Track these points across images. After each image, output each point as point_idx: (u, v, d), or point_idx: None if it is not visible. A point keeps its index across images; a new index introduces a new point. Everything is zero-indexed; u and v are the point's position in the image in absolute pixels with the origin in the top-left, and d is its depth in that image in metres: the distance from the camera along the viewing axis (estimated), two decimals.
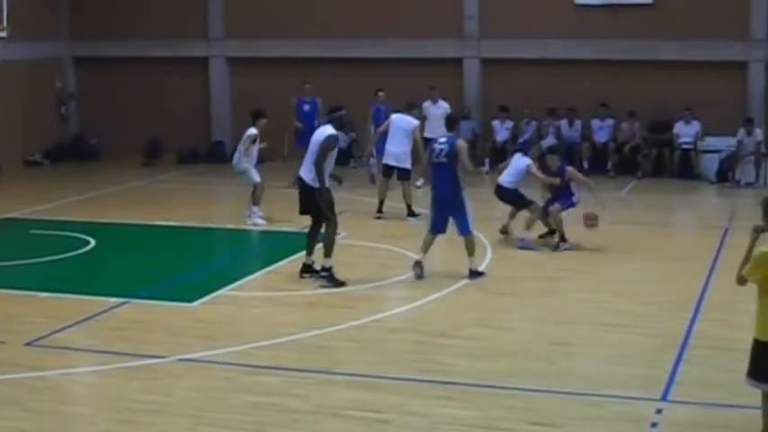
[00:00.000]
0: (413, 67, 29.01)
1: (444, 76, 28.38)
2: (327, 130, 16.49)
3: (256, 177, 21.03)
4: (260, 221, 20.83)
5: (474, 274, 16.85)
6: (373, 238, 19.84)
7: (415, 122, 22.37)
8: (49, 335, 13.93)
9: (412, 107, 22.76)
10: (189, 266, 18.21)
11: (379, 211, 22.05)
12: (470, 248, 16.92)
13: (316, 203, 16.33)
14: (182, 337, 14.04)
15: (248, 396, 11.81)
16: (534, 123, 28.76)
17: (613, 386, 12.03)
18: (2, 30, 21.73)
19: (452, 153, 16.61)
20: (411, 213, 21.92)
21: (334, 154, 16.46)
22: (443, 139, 16.87)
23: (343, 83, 29.43)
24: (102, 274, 17.65)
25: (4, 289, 16.31)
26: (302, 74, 29.57)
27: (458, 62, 29.47)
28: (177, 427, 11.02)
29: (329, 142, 16.28)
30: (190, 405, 11.54)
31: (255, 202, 21.04)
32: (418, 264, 16.84)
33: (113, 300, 15.60)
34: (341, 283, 16.29)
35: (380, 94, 25.98)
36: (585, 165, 27.82)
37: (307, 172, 16.47)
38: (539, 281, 17.05)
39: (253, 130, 21.21)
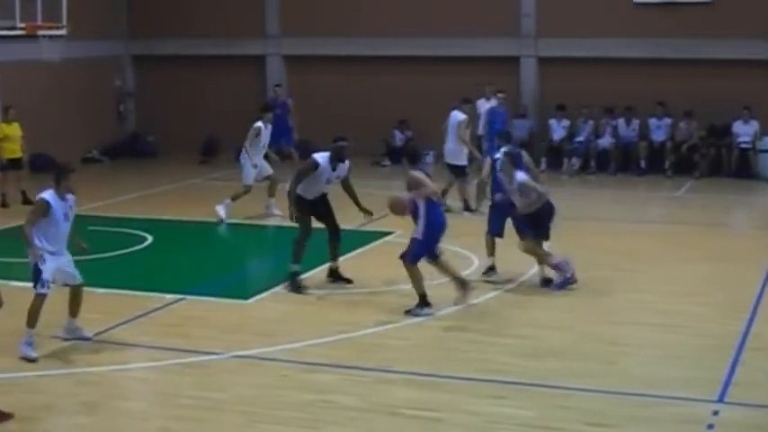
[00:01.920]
0: (468, 66, 28.94)
1: (501, 75, 28.29)
2: (318, 156, 16.20)
3: (249, 181, 21.12)
4: (222, 213, 21.01)
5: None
6: None
7: (460, 117, 22.33)
8: (105, 330, 14.05)
9: (463, 102, 22.76)
10: (244, 263, 18.30)
11: (468, 209, 22.24)
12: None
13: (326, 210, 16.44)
14: (237, 333, 14.11)
15: (303, 393, 11.84)
16: (591, 122, 28.64)
17: (669, 387, 11.95)
18: (62, 28, 21.89)
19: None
20: (467, 208, 22.12)
21: (315, 178, 16.08)
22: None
23: (398, 81, 29.49)
24: (158, 270, 17.77)
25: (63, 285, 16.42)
26: (357, 72, 29.73)
27: (514, 61, 29.38)
28: (232, 424, 11.08)
29: (306, 167, 16.23)
30: (244, 402, 11.59)
31: (234, 197, 21.39)
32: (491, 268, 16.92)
33: (169, 296, 15.71)
34: (299, 290, 16.06)
35: (500, 95, 25.13)
36: (642, 164, 27.69)
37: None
38: (593, 281, 16.94)
39: (257, 124, 21.34)
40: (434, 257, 15.10)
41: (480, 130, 26.17)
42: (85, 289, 15.81)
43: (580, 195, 25.39)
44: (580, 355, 13.22)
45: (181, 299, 15.62)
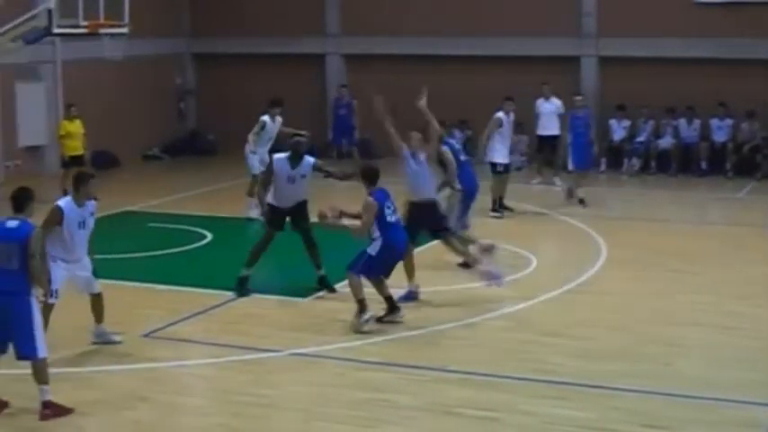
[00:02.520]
0: (529, 65, 28.85)
1: (561, 75, 28.19)
2: (276, 156, 16.38)
3: (254, 169, 20.91)
4: (254, 214, 20.52)
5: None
6: (487, 237, 19.75)
7: (496, 114, 22.28)
8: (165, 327, 14.17)
9: (504, 101, 22.55)
10: (303, 262, 18.33)
11: (494, 209, 21.95)
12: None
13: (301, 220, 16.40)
14: (294, 331, 14.17)
15: (360, 392, 11.88)
16: (652, 122, 28.46)
17: (727, 389, 11.86)
18: (124, 27, 22.08)
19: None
20: (500, 206, 22.00)
21: (278, 179, 16.05)
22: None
23: (458, 80, 29.45)
24: (218, 267, 17.87)
25: (123, 281, 16.57)
26: (417, 71, 29.68)
27: (575, 60, 29.25)
28: (288, 421, 11.14)
29: (265, 169, 16.95)
30: (301, 399, 11.64)
31: (250, 193, 21.06)
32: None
33: (229, 294, 15.79)
34: (243, 294, 15.91)
35: (578, 98, 24.75)
36: (703, 165, 27.48)
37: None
38: (650, 282, 16.87)
39: (263, 117, 21.18)
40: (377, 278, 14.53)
41: (539, 131, 26.15)
42: (146, 285, 16.00)
43: (640, 196, 25.27)
44: (636, 356, 13.16)
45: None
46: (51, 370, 11.34)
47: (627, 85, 28.56)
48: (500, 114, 22.19)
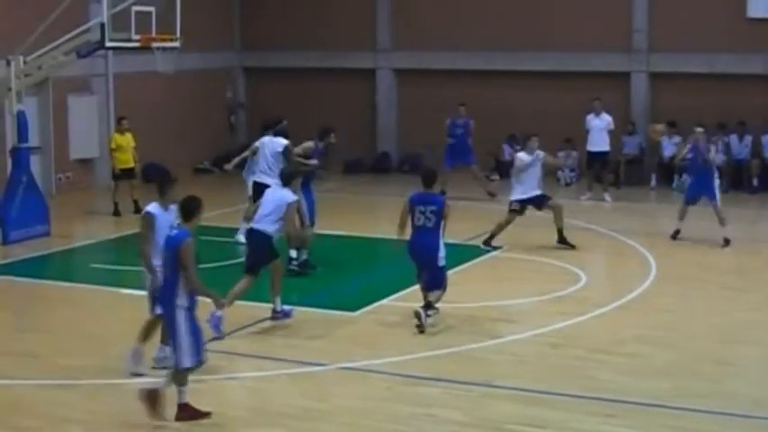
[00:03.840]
0: (578, 81, 28.75)
1: (610, 90, 28.07)
2: (281, 141, 18.76)
3: (250, 191, 20.18)
4: (241, 239, 19.32)
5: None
6: (536, 252, 19.73)
7: (519, 156, 20.73)
8: (215, 339, 14.19)
9: (530, 138, 20.87)
10: (353, 276, 18.35)
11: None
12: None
13: None
14: (343, 345, 14.17)
15: (407, 406, 11.85)
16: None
17: None
18: (176, 41, 22.19)
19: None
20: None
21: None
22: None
23: (508, 95, 29.42)
24: (266, 281, 17.86)
25: None
26: (468, 85, 29.71)
27: (625, 76, 29.11)
28: None
29: (288, 151, 18.64)
30: (348, 413, 11.63)
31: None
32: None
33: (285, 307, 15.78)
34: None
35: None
36: (755, 182, 27.25)
37: (265, 176, 18.67)
38: (702, 299, 16.75)
39: (255, 143, 20.07)
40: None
41: (589, 146, 26.02)
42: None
43: (691, 212, 25.06)
44: (689, 374, 13.05)
45: (290, 310, 15.71)
46: (102, 381, 11.40)
47: (677, 101, 28.38)
48: (521, 155, 20.60)
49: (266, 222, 15.10)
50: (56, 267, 19.74)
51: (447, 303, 15.54)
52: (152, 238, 12.80)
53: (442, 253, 14.85)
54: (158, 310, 12.63)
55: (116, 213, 23.85)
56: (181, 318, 11.32)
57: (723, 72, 27.85)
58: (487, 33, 30.09)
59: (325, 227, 21.71)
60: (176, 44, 22.17)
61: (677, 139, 28.50)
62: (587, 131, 26.26)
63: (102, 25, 20.74)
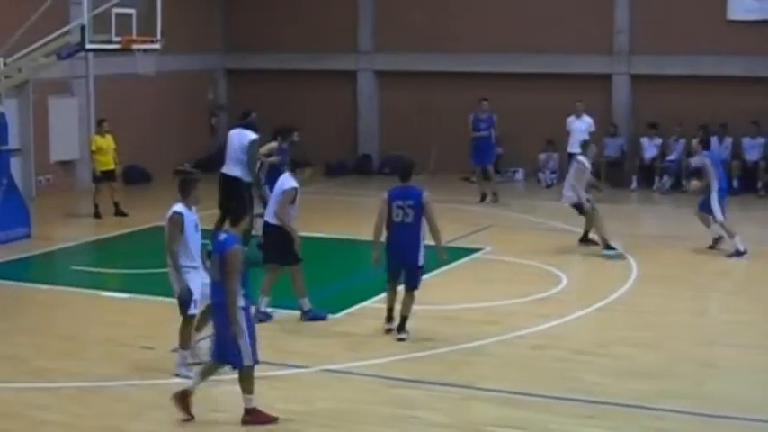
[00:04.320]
0: (559, 83, 28.80)
1: (592, 92, 28.13)
2: (249, 134, 18.70)
3: None
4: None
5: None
6: (518, 254, 19.73)
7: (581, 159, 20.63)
8: (196, 342, 14.11)
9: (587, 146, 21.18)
10: (334, 278, 18.32)
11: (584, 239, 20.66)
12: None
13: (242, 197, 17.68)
14: (325, 347, 14.14)
15: (389, 408, 11.83)
16: (683, 141, 28.32)
17: (765, 411, 11.74)
18: (157, 42, 22.12)
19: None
20: (606, 246, 19.87)
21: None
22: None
23: (489, 97, 29.42)
24: (249, 283, 17.81)
25: (153, 296, 16.62)
26: (449, 87, 29.73)
27: (606, 78, 29.16)
28: None
29: (254, 146, 18.72)
30: (330, 416, 11.60)
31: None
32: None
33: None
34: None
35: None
36: (735, 183, 27.31)
37: (237, 169, 18.69)
38: (686, 300, 16.76)
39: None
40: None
41: (570, 148, 26.05)
42: (174, 300, 15.97)
43: (672, 214, 25.16)
44: (672, 375, 13.05)
45: (271, 311, 15.68)
46: (82, 384, 11.34)
47: (659, 103, 28.48)
48: (586, 161, 20.54)
49: (271, 213, 15.37)
50: (36, 270, 19.66)
51: (430, 305, 15.54)
52: (181, 238, 12.86)
53: (422, 251, 14.42)
54: (192, 310, 12.87)
55: (97, 216, 23.76)
56: (241, 318, 11.35)
57: (704, 74, 27.91)
58: (469, 36, 30.12)
59: (307, 229, 21.67)
60: (157, 46, 22.10)
61: (658, 140, 28.61)
62: (568, 133, 26.30)
63: (83, 27, 20.66)
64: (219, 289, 11.37)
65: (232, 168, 18.97)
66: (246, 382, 11.44)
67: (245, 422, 11.36)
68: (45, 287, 17.77)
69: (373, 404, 11.97)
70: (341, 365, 13.27)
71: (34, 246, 20.92)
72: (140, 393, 12.41)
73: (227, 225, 11.91)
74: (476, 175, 26.79)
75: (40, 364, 13.48)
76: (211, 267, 11.65)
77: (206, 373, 11.72)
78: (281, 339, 14.52)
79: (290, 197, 15.17)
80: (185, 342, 13.10)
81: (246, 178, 18.76)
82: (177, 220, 12.87)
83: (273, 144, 19.60)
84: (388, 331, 14.53)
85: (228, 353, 11.39)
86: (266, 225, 15.61)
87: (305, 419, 11.52)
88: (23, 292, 17.64)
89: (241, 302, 11.37)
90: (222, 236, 11.59)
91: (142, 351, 13.91)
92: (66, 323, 15.51)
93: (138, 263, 19.31)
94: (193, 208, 13.08)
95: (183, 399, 11.46)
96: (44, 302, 16.84)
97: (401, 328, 14.42)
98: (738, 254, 19.51)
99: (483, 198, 25.69)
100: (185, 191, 13.07)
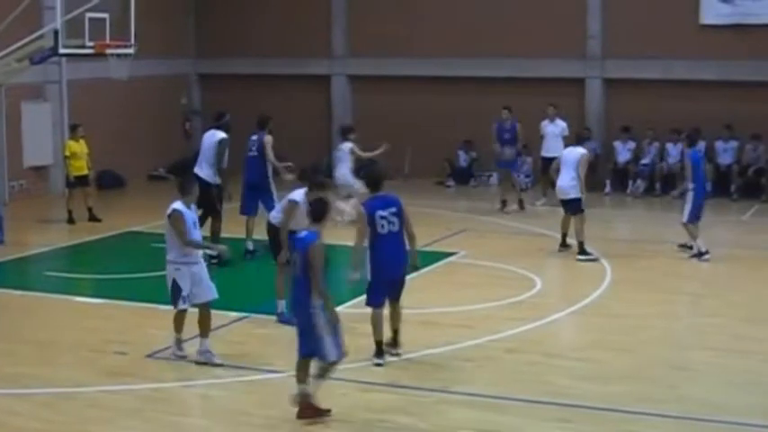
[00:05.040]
0: (533, 87, 28.85)
1: (565, 96, 28.19)
2: (219, 134, 19.71)
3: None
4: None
5: None
6: (492, 258, 19.75)
7: (583, 151, 20.56)
8: (169, 347, 14.08)
9: (579, 141, 21.33)
10: None
11: (563, 245, 20.48)
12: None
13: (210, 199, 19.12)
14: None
15: (363, 413, 11.83)
16: (656, 144, 28.43)
17: (738, 413, 11.78)
18: (130, 47, 22.07)
19: None
20: (582, 251, 19.88)
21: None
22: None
23: (463, 101, 29.49)
24: (222, 288, 17.79)
25: (127, 301, 16.59)
26: (423, 92, 29.77)
27: (580, 82, 29.24)
28: None
29: (223, 145, 19.59)
30: (305, 420, 11.57)
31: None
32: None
33: (233, 314, 15.74)
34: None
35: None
36: (708, 187, 27.35)
37: (205, 170, 19.52)
38: (659, 304, 16.81)
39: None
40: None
41: (543, 152, 26.09)
42: (149, 305, 15.98)
43: (645, 218, 25.24)
44: (646, 379, 13.09)
45: (245, 317, 15.67)
46: (55, 390, 11.30)
47: (632, 107, 28.57)
48: (586, 152, 20.76)
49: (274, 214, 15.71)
50: (10, 275, 19.56)
51: (405, 309, 15.50)
52: (185, 232, 13.17)
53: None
54: (181, 306, 13.42)
55: (70, 221, 23.67)
56: (318, 317, 11.52)
57: (677, 78, 28.04)
58: (443, 40, 30.15)
59: None
60: (131, 51, 22.04)
61: (632, 144, 28.69)
62: (542, 137, 26.35)
63: (56, 32, 20.59)
64: (302, 285, 11.53)
65: (199, 170, 19.53)
66: (326, 370, 11.66)
67: (301, 416, 11.55)
68: (18, 293, 17.70)
69: (347, 409, 11.95)
70: (314, 370, 13.24)
71: (8, 251, 20.83)
72: (114, 399, 12.37)
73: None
74: (499, 181, 26.47)
75: (13, 370, 13.42)
76: (293, 264, 11.85)
77: (306, 372, 11.76)
78: (252, 344, 14.50)
79: (293, 210, 15.00)
80: (178, 327, 13.63)
81: (213, 179, 19.50)
82: (178, 216, 13.20)
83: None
84: (397, 355, 13.89)
85: (315, 346, 11.57)
86: (269, 225, 15.78)
87: (280, 425, 11.50)
88: None
89: (320, 301, 11.53)
90: (303, 233, 11.77)
91: (115, 356, 13.88)
92: (39, 329, 15.44)
93: (112, 268, 19.28)
94: (192, 206, 13.48)
95: (309, 406, 11.57)
96: (17, 308, 16.77)
97: (397, 342, 14.01)
98: (700, 255, 19.61)
99: (504, 205, 25.22)
100: (183, 189, 13.45)
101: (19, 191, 27.06)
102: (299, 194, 15.06)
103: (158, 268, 16.58)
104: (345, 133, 23.63)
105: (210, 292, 13.60)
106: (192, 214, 13.41)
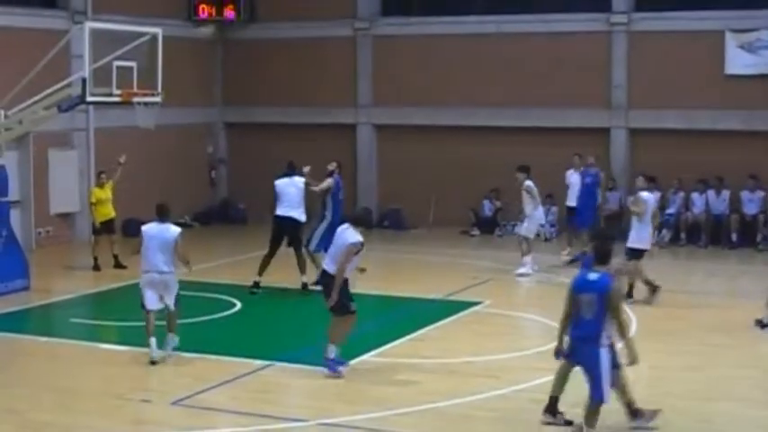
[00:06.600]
0: (559, 137, 28.88)
1: (590, 146, 28.16)
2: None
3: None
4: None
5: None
6: (517, 307, 19.71)
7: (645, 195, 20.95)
8: (194, 395, 14.09)
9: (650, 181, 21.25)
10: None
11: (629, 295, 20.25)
12: None
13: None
14: (324, 401, 14.09)
15: None
16: (682, 194, 28.38)
17: None
18: (157, 96, 22.20)
19: None
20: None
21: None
22: None
23: (488, 151, 29.52)
24: (246, 336, 17.83)
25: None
26: (447, 141, 29.82)
27: (605, 132, 29.26)
28: None
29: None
30: None
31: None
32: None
33: (257, 362, 15.73)
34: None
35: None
36: (734, 237, 27.32)
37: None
38: (682, 355, 16.70)
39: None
40: None
41: (569, 201, 26.04)
42: (174, 353, 15.98)
43: (671, 267, 25.14)
44: (671, 431, 12.98)
45: (269, 365, 15.66)
46: None
47: (657, 156, 28.52)
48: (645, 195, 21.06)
49: (329, 262, 15.58)
50: (35, 322, 19.63)
51: (429, 359, 15.51)
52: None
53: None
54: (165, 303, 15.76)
55: (96, 268, 23.75)
56: (605, 356, 11.94)
57: (701, 128, 28.03)
58: (468, 89, 30.24)
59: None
60: (157, 99, 22.18)
61: (657, 194, 28.62)
62: (568, 186, 26.31)
63: (84, 80, 20.76)
64: (593, 326, 11.93)
65: (295, 211, 21.80)
66: (592, 418, 11.95)
67: None
68: (43, 339, 17.74)
69: None
70: (339, 419, 13.22)
71: (33, 298, 20.91)
72: None
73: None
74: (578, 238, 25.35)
75: (36, 416, 13.43)
76: (582, 306, 12.12)
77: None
78: (277, 392, 14.49)
79: (355, 250, 15.23)
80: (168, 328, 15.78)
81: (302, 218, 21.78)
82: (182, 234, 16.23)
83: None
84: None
85: (595, 391, 11.95)
86: (323, 273, 15.74)
87: None
88: (21, 343, 17.61)
89: (606, 340, 11.88)
90: (594, 275, 12.06)
91: (140, 404, 13.87)
92: (63, 376, 15.46)
93: (137, 315, 19.22)
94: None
95: None
96: (42, 354, 16.80)
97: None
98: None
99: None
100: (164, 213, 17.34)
101: (45, 237, 27.20)
102: (355, 236, 15.28)
103: (184, 316, 16.65)
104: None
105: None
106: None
